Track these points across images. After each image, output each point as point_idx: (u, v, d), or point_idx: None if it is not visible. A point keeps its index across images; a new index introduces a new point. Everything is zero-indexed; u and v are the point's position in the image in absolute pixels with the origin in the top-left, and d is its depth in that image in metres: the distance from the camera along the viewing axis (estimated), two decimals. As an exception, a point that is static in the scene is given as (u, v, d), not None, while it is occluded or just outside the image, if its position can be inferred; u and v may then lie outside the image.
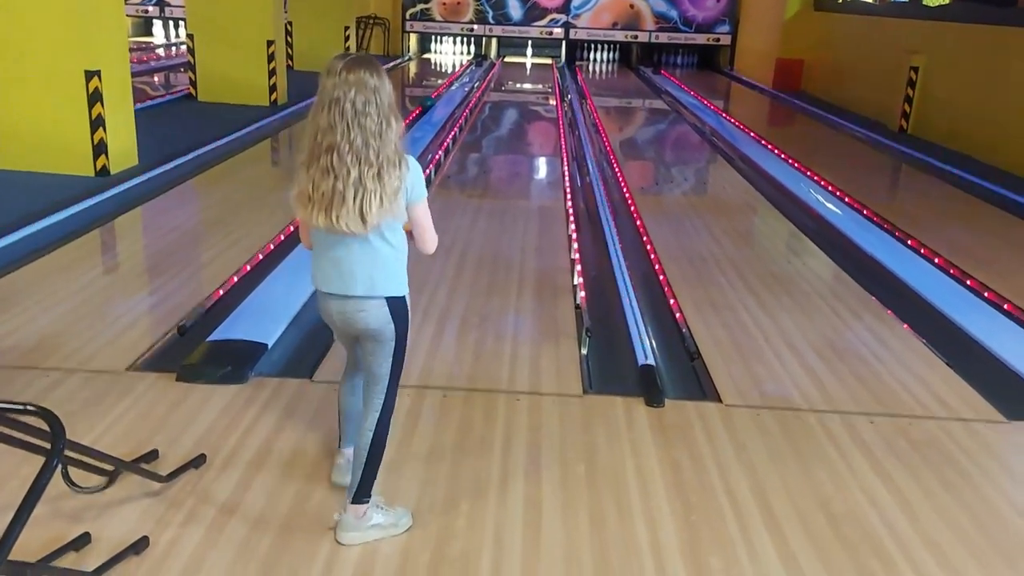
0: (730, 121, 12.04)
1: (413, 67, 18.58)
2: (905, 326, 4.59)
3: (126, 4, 9.13)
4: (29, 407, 2.03)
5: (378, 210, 2.35)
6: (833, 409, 3.59)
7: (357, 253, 2.45)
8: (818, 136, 11.55)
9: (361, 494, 2.58)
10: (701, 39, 19.97)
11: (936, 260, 5.78)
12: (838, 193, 7.61)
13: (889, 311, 4.81)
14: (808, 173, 8.42)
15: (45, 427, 2.06)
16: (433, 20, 20.17)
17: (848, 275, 5.44)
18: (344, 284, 2.49)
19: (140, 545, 2.48)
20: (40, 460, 2.13)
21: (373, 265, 2.47)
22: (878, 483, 3.05)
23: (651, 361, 3.91)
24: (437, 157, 8.45)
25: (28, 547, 2.34)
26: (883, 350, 4.24)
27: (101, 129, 6.86)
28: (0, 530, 1.95)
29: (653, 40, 20.13)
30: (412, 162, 2.46)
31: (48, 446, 2.09)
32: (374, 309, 2.50)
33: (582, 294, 4.73)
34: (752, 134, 10.70)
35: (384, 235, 2.45)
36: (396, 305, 2.53)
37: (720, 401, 3.62)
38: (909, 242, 6.20)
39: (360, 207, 2.33)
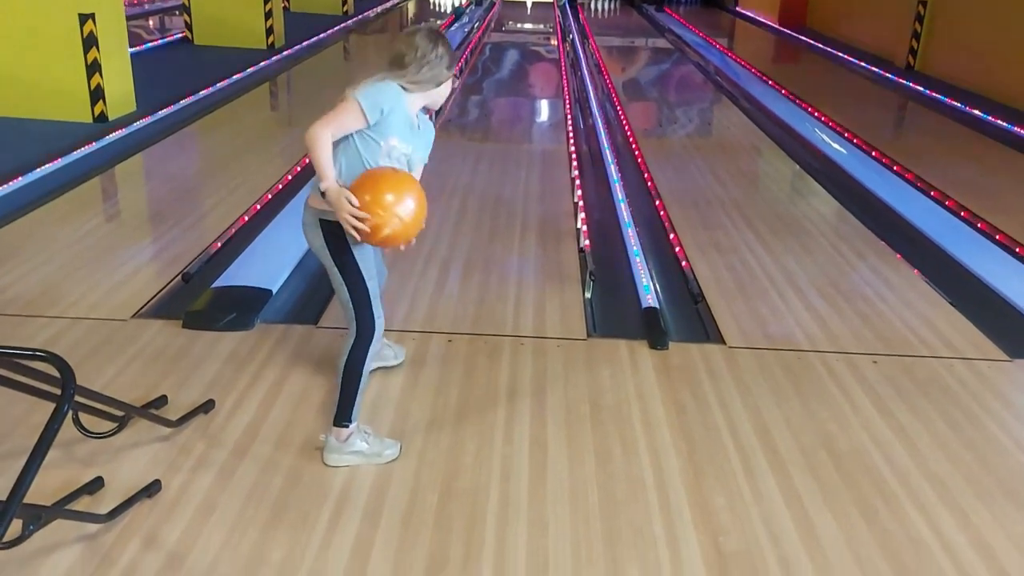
0: (734, 60, 11.87)
1: (412, 7, 18.25)
2: (908, 265, 4.59)
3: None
4: (38, 353, 2.04)
5: None
6: (836, 349, 3.61)
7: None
8: (823, 74, 11.38)
9: (340, 417, 2.69)
10: (705, -25, 19.57)
11: (937, 196, 5.74)
12: (843, 132, 7.53)
13: (893, 250, 4.79)
14: (813, 112, 8.33)
15: (55, 373, 2.07)
16: (431, -41, 19.74)
17: (852, 215, 5.41)
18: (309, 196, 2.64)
19: (152, 488, 2.52)
20: (50, 406, 2.14)
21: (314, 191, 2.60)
22: (881, 422, 3.07)
23: (655, 304, 3.91)
24: (438, 100, 8.33)
25: (43, 491, 2.37)
26: (886, 290, 4.24)
27: (97, 74, 6.77)
28: (14, 475, 1.97)
29: (656, -23, 19.73)
30: (386, 86, 2.56)
31: (58, 392, 2.10)
32: (308, 226, 2.62)
33: (586, 238, 4.71)
34: (757, 73, 10.55)
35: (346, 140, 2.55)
36: (329, 228, 2.57)
37: (724, 343, 3.63)
38: (909, 177, 6.16)
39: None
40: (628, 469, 2.75)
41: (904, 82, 10.12)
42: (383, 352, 3.13)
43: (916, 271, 4.51)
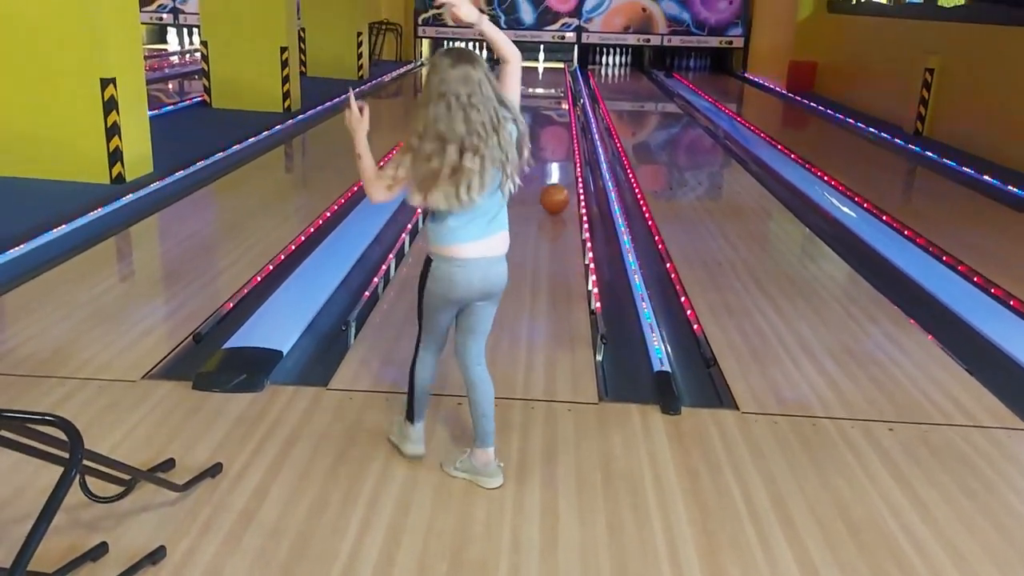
0: (743, 124, 12.00)
1: (425, 72, 18.62)
2: (922, 330, 4.55)
3: (141, 11, 9.20)
4: (48, 417, 2.04)
5: (510, 184, 2.70)
6: (851, 416, 3.56)
7: (498, 219, 2.76)
8: (832, 139, 11.50)
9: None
10: (713, 42, 19.93)
11: (947, 260, 5.73)
12: (853, 196, 7.57)
13: (906, 315, 4.76)
14: (822, 176, 8.38)
15: (63, 437, 2.06)
16: (445, 25, 20.20)
17: (864, 279, 5.40)
18: (492, 246, 2.77)
19: (157, 555, 2.48)
20: (57, 469, 2.13)
21: (505, 226, 2.81)
22: (897, 490, 3.02)
23: (667, 368, 3.89)
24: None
25: (46, 557, 2.34)
26: (901, 355, 4.21)
27: (116, 137, 6.90)
28: (19, 539, 1.95)
29: (665, 43, 20.11)
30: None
31: (66, 456, 2.09)
32: (505, 266, 2.85)
33: (597, 301, 4.70)
34: (765, 137, 10.66)
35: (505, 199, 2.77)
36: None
37: (737, 408, 3.60)
38: (920, 242, 6.15)
39: (497, 183, 2.67)
40: (640, 538, 2.70)
41: (913, 147, 10.19)
42: (416, 434, 3.10)
43: (930, 336, 4.48)
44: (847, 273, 5.61)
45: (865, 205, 7.26)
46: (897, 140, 10.65)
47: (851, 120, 12.16)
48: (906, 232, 6.45)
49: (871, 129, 11.38)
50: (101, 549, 2.49)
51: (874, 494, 2.99)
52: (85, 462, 2.31)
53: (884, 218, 6.85)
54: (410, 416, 3.06)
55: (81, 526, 2.64)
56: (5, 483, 2.83)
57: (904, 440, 3.38)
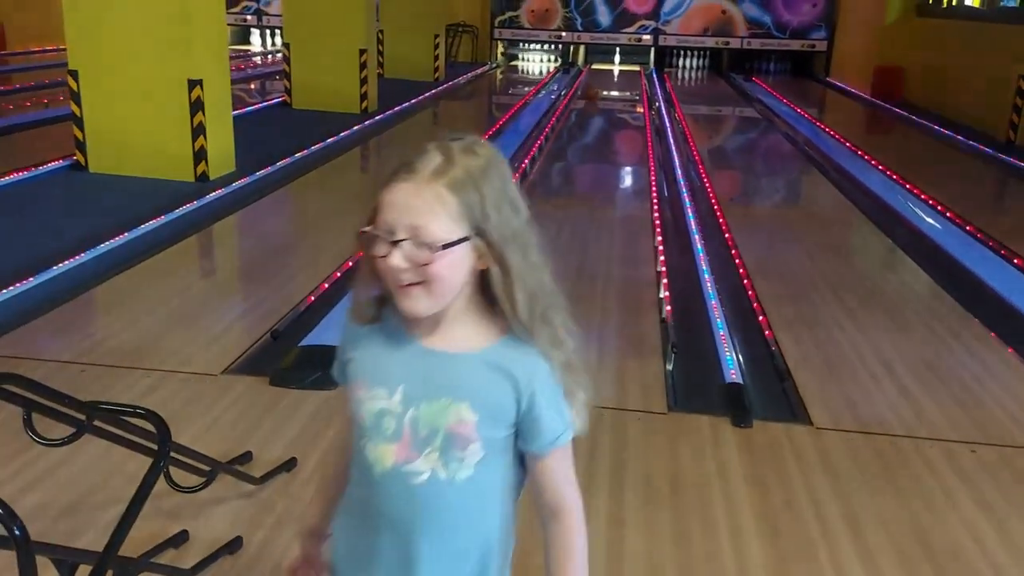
0: (825, 131, 11.72)
1: (500, 74, 18.71)
2: (1009, 349, 4.38)
3: (227, 13, 9.44)
4: (139, 410, 2.12)
5: None
6: (931, 436, 3.45)
7: None
8: (919, 147, 11.15)
9: None
10: (795, 45, 19.51)
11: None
12: (939, 207, 7.32)
13: (992, 333, 4.59)
14: (907, 186, 8.13)
15: (151, 428, 2.15)
16: (521, 27, 20.29)
17: (948, 294, 5.22)
18: None
19: (234, 545, 2.57)
20: (142, 457, 2.22)
21: None
22: (980, 516, 2.91)
23: (739, 379, 3.83)
24: (523, 166, 8.48)
25: (130, 542, 2.43)
26: (985, 374, 4.06)
27: (202, 136, 7.13)
28: (105, 524, 2.04)
29: (745, 46, 19.77)
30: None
31: (152, 446, 2.18)
32: None
33: (668, 308, 4.66)
34: (848, 144, 10.40)
35: None
36: None
37: (811, 423, 3.52)
38: (1015, 260, 5.92)
39: None
40: (707, 551, 2.67)
41: (1004, 157, 9.81)
42: None
43: (1016, 355, 4.30)
44: (931, 287, 5.44)
45: (956, 218, 7.02)
46: (988, 149, 10.26)
47: (939, 127, 11.77)
48: (996, 247, 6.21)
49: (960, 137, 11.00)
50: (182, 537, 2.59)
51: (954, 519, 2.89)
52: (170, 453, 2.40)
53: (972, 231, 6.61)
54: None
55: (163, 514, 2.74)
56: (94, 470, 2.96)
57: (987, 463, 3.26)
